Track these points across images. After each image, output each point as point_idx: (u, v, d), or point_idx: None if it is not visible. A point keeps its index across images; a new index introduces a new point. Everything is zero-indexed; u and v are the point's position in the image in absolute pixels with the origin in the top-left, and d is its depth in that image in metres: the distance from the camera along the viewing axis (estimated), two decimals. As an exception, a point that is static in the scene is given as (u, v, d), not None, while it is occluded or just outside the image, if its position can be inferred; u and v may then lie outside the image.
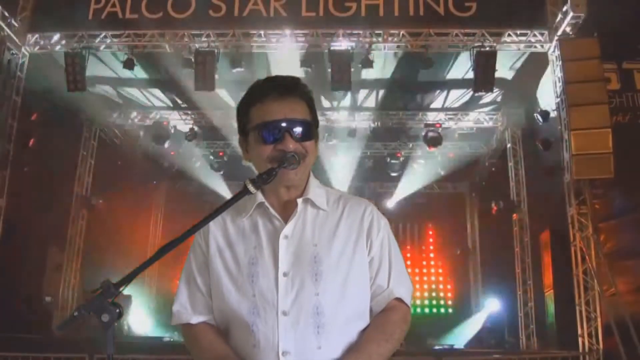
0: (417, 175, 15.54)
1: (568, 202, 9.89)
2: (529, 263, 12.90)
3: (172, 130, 13.87)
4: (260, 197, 2.09)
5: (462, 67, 11.10)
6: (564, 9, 9.40)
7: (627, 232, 9.71)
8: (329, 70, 10.28)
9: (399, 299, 2.09)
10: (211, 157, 15.05)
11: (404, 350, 9.20)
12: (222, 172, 15.06)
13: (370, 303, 2.09)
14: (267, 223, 2.08)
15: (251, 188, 1.86)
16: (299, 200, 2.07)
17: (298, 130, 2.02)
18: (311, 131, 2.06)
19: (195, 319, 2.08)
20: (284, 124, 2.00)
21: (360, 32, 10.25)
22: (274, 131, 2.00)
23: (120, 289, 1.64)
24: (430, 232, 17.35)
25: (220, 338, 2.03)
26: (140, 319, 13.86)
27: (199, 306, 2.09)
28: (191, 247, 2.17)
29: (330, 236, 2.05)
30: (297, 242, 2.02)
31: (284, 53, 10.53)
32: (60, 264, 12.77)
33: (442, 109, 13.42)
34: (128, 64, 10.37)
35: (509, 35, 10.08)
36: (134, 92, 13.04)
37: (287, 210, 2.08)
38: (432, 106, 13.50)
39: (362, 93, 12.85)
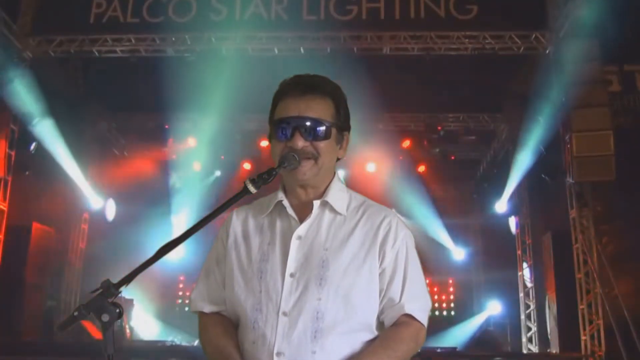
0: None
1: (569, 204, 9.89)
2: (531, 265, 12.88)
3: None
4: (281, 195, 2.09)
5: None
6: (565, 11, 9.41)
7: (628, 234, 9.69)
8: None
9: (411, 316, 2.02)
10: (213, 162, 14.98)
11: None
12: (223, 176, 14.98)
13: (381, 316, 2.04)
14: (283, 222, 2.08)
15: (251, 188, 1.85)
16: (316, 203, 2.05)
17: (309, 128, 1.99)
18: (326, 131, 2.01)
19: (208, 308, 2.11)
20: (294, 121, 1.99)
21: (362, 34, 10.26)
22: (286, 128, 2.00)
23: (120, 288, 1.64)
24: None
25: (228, 332, 2.04)
26: (142, 322, 13.82)
27: (214, 296, 2.11)
28: (215, 238, 2.20)
29: (342, 242, 2.01)
30: (309, 244, 2.00)
31: (285, 56, 10.53)
32: (62, 268, 12.76)
33: (443, 110, 13.38)
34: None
35: (510, 37, 10.09)
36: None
37: (304, 211, 2.06)
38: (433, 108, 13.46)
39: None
